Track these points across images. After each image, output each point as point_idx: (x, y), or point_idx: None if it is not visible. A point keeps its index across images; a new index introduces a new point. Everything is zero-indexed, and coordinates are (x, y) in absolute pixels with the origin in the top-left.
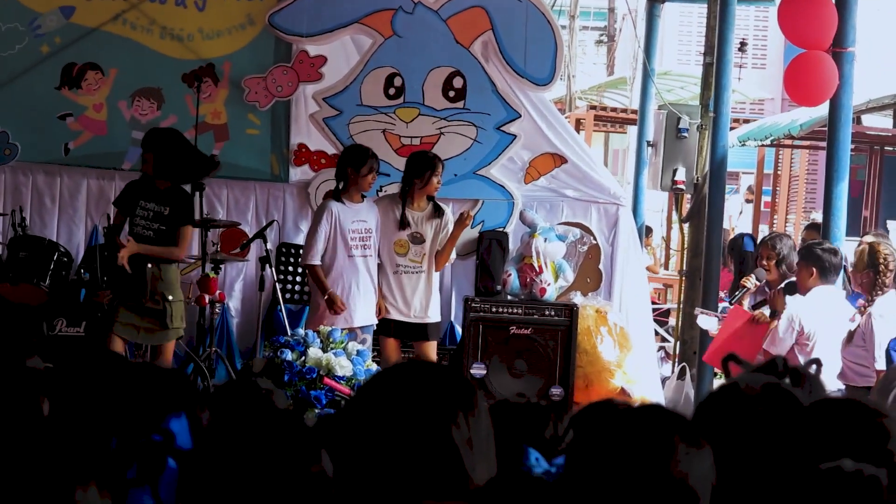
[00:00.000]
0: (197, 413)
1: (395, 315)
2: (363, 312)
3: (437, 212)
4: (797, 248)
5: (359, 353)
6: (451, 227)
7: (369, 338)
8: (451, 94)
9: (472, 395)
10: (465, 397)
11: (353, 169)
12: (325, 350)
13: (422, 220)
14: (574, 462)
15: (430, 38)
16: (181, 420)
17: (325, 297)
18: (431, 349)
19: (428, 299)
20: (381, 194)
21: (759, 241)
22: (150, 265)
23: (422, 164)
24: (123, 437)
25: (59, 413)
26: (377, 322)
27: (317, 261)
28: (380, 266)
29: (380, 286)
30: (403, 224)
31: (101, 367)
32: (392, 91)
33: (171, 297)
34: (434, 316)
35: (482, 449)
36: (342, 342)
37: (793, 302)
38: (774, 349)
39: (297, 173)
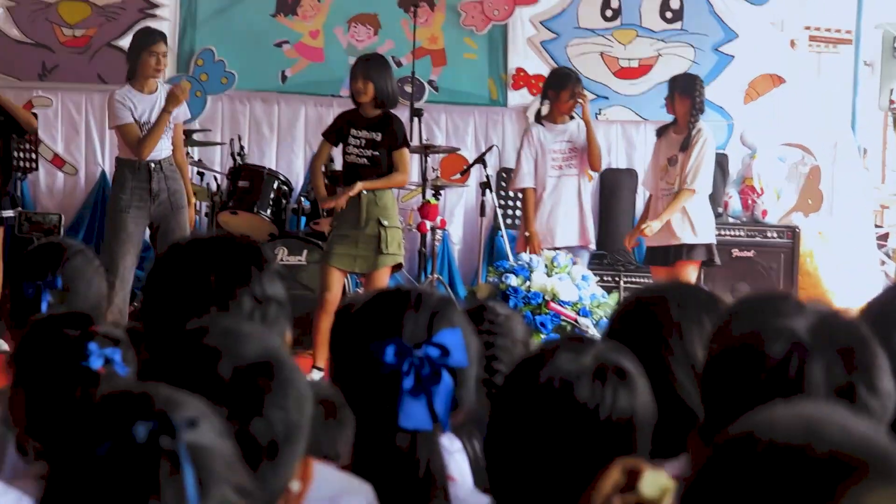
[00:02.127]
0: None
1: (652, 241)
2: (565, 232)
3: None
4: None
5: (583, 277)
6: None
7: (580, 259)
8: (669, 15)
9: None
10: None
11: (553, 91)
12: (549, 275)
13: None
14: None
15: None
16: (456, 335)
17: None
18: (684, 270)
19: (679, 220)
20: (599, 117)
21: None
22: (364, 192)
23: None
24: (400, 348)
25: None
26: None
27: (526, 183)
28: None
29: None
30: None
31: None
32: (609, 13)
33: (386, 223)
34: (686, 237)
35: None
36: (566, 266)
37: None
38: None
39: (516, 97)
